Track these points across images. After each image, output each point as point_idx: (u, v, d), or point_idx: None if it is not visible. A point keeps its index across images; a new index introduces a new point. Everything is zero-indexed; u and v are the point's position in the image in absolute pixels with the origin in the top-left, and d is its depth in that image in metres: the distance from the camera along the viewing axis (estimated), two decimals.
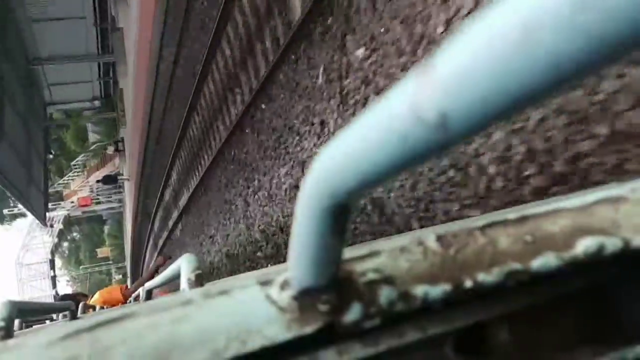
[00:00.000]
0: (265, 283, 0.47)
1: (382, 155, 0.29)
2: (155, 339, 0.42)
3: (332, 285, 0.45)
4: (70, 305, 2.49)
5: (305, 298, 0.45)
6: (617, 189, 0.54)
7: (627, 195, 0.53)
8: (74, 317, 2.44)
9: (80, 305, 3.61)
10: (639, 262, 0.53)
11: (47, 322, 3.63)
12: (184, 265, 1.20)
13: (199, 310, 0.45)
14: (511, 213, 0.54)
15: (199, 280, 1.13)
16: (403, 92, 0.26)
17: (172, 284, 1.90)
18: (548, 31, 0.19)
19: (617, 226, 0.51)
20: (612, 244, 0.50)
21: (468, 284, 0.49)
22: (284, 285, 0.46)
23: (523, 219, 0.53)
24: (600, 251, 0.50)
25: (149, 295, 2.59)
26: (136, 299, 4.20)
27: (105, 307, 4.71)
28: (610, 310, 0.57)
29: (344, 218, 0.39)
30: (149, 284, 2.44)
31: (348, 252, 0.52)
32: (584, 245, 0.50)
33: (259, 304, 0.45)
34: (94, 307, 4.71)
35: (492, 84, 0.21)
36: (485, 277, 0.49)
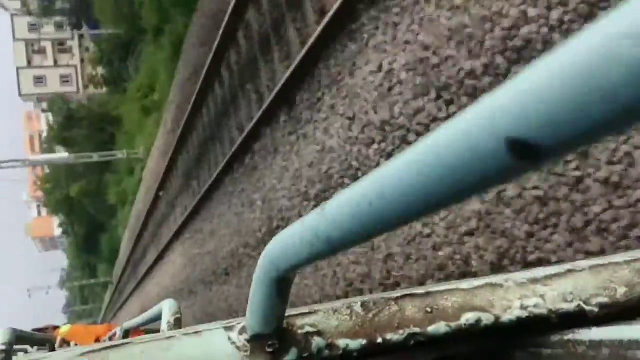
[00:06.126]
0: (228, 328, 0.64)
1: (306, 247, 0.47)
2: None
3: (277, 334, 0.63)
4: (53, 338, 2.68)
5: (256, 342, 0.62)
6: (496, 278, 0.72)
7: (502, 283, 0.71)
8: (52, 348, 2.57)
9: (58, 340, 3.78)
10: (526, 334, 0.71)
11: (21, 353, 3.73)
12: (165, 308, 1.36)
13: (178, 343, 0.62)
14: (420, 289, 0.72)
15: (178, 323, 1.29)
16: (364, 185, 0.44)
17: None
18: None
19: (491, 305, 0.69)
20: (486, 318, 0.68)
21: (379, 340, 0.66)
22: (242, 331, 0.63)
23: (427, 294, 0.71)
24: (478, 323, 0.68)
25: (127, 334, 2.72)
26: (112, 338, 4.28)
27: (76, 343, 4.78)
28: None
29: (286, 286, 0.57)
30: (128, 324, 2.58)
31: (295, 310, 0.69)
32: (466, 318, 0.68)
33: (223, 343, 0.63)
34: (68, 343, 4.78)
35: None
36: (393, 336, 0.67)
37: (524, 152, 0.24)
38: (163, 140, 18.92)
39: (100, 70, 38.57)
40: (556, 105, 0.22)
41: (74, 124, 36.09)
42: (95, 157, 25.84)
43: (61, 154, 29.21)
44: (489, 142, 0.25)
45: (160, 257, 19.44)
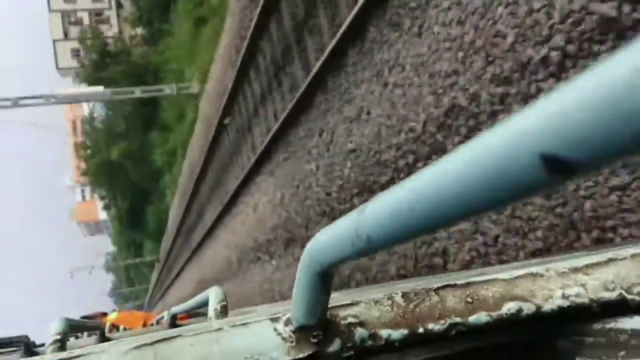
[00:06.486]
0: (274, 319, 0.67)
1: (347, 244, 0.49)
2: (196, 354, 0.62)
3: (321, 325, 0.65)
4: (102, 324, 2.80)
5: (301, 332, 0.65)
6: (537, 267, 0.72)
7: (543, 273, 0.71)
8: (102, 334, 2.66)
9: (107, 325, 3.94)
10: (566, 323, 0.71)
11: (72, 338, 3.89)
12: (212, 296, 1.40)
13: (227, 335, 0.65)
14: (460, 279, 0.73)
15: (224, 310, 1.32)
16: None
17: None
18: None
19: (532, 295, 0.69)
20: (527, 307, 0.68)
21: (420, 330, 0.68)
22: (287, 322, 0.66)
23: (468, 284, 0.72)
24: (519, 313, 0.68)
25: (174, 318, 2.81)
26: (159, 321, 4.42)
27: (125, 327, 4.96)
28: (542, 359, 0.74)
29: (328, 280, 0.59)
30: (175, 309, 2.66)
31: (338, 299, 0.71)
32: (507, 308, 0.69)
33: (269, 334, 0.65)
34: (117, 328, 4.96)
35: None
36: (434, 326, 0.68)
37: (557, 167, 0.25)
38: (232, 31, 14.01)
39: (139, 30, 35.31)
40: (586, 125, 0.23)
41: (109, 61, 32.19)
42: (138, 92, 21.87)
43: (95, 88, 24.45)
44: (524, 157, 0.26)
45: (226, 210, 15.10)
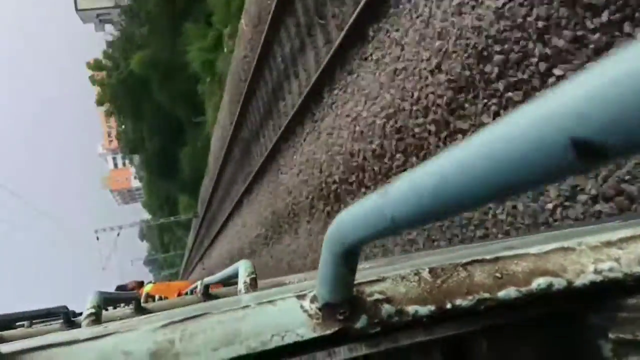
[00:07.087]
0: (300, 297, 0.66)
1: (371, 224, 0.48)
2: (223, 330, 0.62)
3: (347, 302, 0.64)
4: (138, 295, 2.87)
5: (327, 309, 0.64)
6: (568, 241, 0.70)
7: (574, 247, 0.70)
8: (138, 304, 2.72)
9: (143, 295, 4.04)
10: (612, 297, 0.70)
11: (111, 308, 4.00)
12: (241, 269, 1.41)
13: (254, 312, 0.65)
14: (488, 254, 0.72)
15: (253, 283, 1.34)
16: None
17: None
18: None
19: (563, 270, 0.68)
20: (558, 283, 0.67)
21: (448, 306, 0.67)
22: (313, 300, 0.65)
23: (496, 259, 0.71)
24: (549, 288, 0.67)
25: (207, 288, 2.87)
26: (193, 291, 4.51)
27: (162, 296, 5.09)
28: (574, 334, 0.73)
29: (353, 258, 0.58)
30: (208, 279, 2.71)
31: (364, 275, 0.71)
32: (537, 283, 0.67)
33: (295, 311, 0.65)
34: (153, 298, 5.08)
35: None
36: (462, 302, 0.67)
37: (588, 152, 0.24)
38: None
39: None
40: (621, 108, 0.22)
41: None
42: None
43: None
44: (553, 140, 0.25)
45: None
